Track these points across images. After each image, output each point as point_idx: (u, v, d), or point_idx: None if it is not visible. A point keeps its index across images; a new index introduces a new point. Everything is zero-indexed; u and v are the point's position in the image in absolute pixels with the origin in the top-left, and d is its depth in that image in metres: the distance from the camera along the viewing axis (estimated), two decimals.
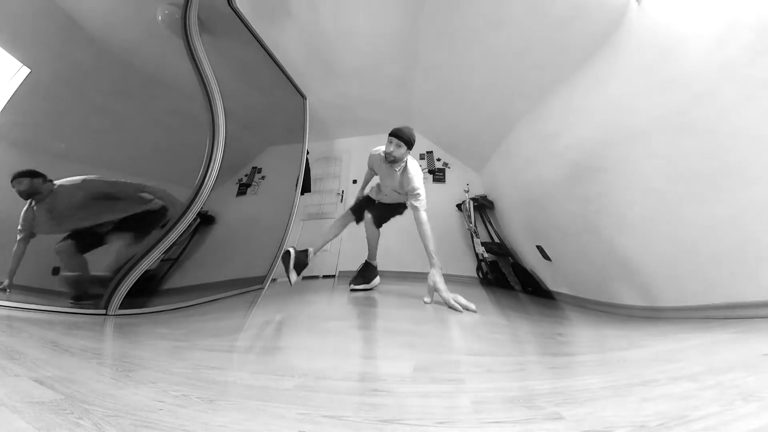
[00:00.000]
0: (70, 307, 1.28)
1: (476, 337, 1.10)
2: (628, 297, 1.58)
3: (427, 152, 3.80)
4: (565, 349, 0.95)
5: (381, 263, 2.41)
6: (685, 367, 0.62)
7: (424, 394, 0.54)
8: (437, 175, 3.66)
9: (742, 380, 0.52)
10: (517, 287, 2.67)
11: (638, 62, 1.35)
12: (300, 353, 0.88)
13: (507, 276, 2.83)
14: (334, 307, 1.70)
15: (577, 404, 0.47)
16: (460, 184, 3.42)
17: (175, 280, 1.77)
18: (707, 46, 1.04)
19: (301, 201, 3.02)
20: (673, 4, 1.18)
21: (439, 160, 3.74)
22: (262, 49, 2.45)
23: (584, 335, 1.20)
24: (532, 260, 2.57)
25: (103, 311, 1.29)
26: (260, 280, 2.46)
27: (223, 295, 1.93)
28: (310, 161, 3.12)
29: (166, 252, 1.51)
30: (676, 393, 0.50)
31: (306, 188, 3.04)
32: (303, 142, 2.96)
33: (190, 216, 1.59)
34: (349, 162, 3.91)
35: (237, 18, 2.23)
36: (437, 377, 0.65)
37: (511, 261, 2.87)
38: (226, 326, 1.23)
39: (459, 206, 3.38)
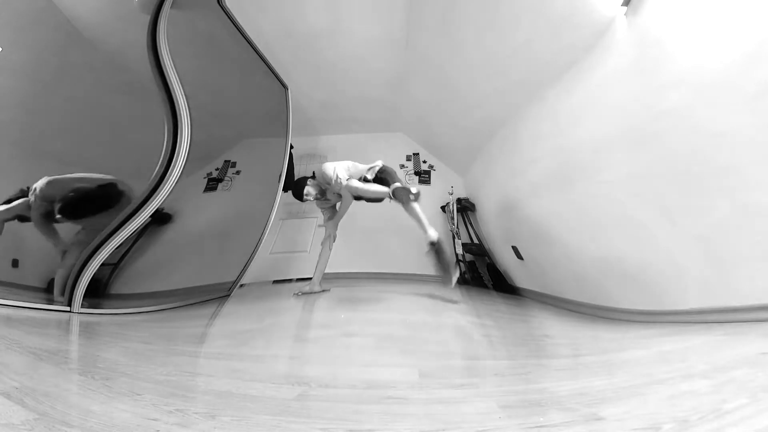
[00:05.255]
0: (33, 302, 1.17)
1: (470, 340, 1.10)
2: (598, 298, 1.65)
3: (414, 154, 3.82)
4: (561, 351, 0.96)
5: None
6: (691, 366, 0.64)
7: (443, 401, 0.51)
8: (423, 177, 3.68)
9: (754, 376, 0.54)
10: (490, 285, 2.85)
11: (622, 70, 1.42)
12: (291, 361, 0.82)
13: (482, 275, 2.94)
14: (317, 313, 1.63)
15: (607, 404, 0.46)
16: (444, 187, 3.45)
17: (123, 286, 1.61)
18: (692, 55, 1.10)
19: (283, 198, 2.91)
20: (660, 15, 1.24)
21: (425, 162, 3.76)
22: (238, 32, 2.29)
23: (571, 337, 1.22)
24: (506, 260, 2.68)
25: (67, 308, 1.17)
26: (227, 287, 2.23)
27: (189, 301, 1.78)
28: (293, 156, 3.02)
29: (111, 254, 1.37)
30: (697, 389, 0.50)
31: (289, 185, 2.94)
32: (286, 135, 2.84)
33: (150, 208, 1.45)
34: (334, 160, 3.82)
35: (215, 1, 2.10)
36: (448, 383, 0.62)
37: (487, 261, 2.97)
38: (198, 333, 1.14)
39: (443, 208, 3.42)
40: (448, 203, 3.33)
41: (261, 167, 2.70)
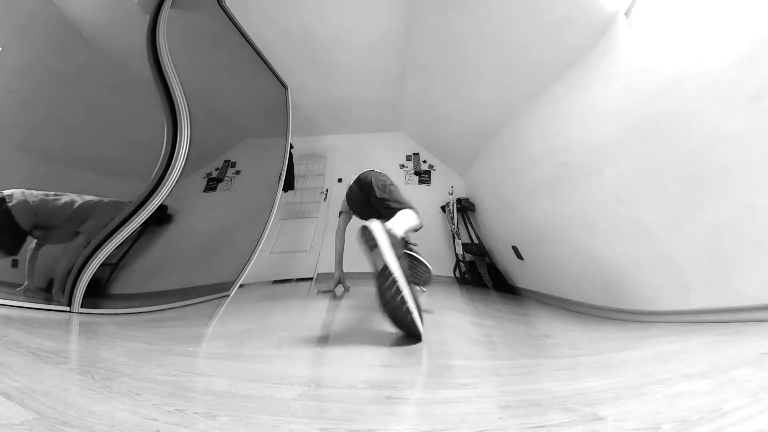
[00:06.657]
0: (32, 302, 1.17)
1: (471, 341, 1.09)
2: (598, 298, 1.64)
3: (414, 154, 3.82)
4: (561, 351, 0.96)
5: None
6: (692, 366, 0.64)
7: (443, 401, 0.51)
8: (423, 177, 3.68)
9: (755, 375, 0.54)
10: (490, 285, 2.86)
11: (622, 70, 1.41)
12: (291, 361, 0.82)
13: (482, 275, 2.94)
14: (316, 313, 1.62)
15: (607, 404, 0.46)
16: (444, 187, 3.45)
17: (123, 286, 1.61)
18: (692, 55, 1.10)
19: (282, 198, 2.91)
20: (660, 15, 1.23)
21: (425, 162, 3.75)
22: (238, 33, 2.30)
23: (571, 337, 1.22)
24: (506, 260, 2.68)
25: (67, 308, 1.17)
26: (227, 287, 2.22)
27: (190, 301, 1.77)
28: (293, 156, 3.02)
29: (110, 254, 1.37)
30: (697, 389, 0.50)
31: (289, 185, 2.94)
32: (286, 135, 2.84)
33: (150, 208, 1.44)
34: (334, 160, 3.83)
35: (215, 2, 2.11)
36: (448, 383, 0.62)
37: (487, 261, 2.97)
38: (198, 333, 1.14)
39: (443, 208, 3.42)
40: (448, 203, 3.33)
41: (261, 167, 2.70)
